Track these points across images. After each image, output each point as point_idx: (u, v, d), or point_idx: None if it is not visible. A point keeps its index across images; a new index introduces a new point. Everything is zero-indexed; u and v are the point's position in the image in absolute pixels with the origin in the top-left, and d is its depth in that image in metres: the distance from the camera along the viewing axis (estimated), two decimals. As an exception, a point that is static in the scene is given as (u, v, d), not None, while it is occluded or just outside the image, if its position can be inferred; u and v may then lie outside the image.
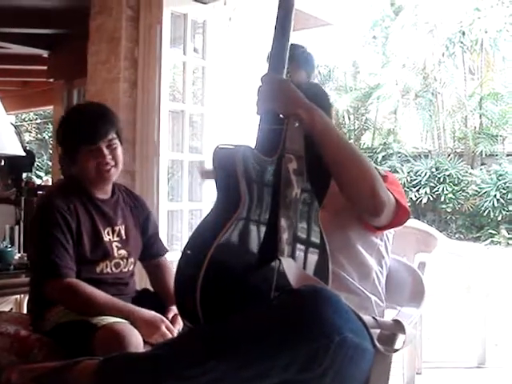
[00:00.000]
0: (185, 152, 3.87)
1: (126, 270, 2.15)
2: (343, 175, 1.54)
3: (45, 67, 6.95)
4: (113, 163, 2.12)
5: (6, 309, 2.84)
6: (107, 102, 4.03)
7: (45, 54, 6.68)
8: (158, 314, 1.97)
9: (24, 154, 2.91)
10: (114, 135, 2.13)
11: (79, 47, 4.50)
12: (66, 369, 1.46)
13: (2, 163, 5.69)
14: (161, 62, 3.61)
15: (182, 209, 3.85)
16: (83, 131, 2.09)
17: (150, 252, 2.31)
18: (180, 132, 3.88)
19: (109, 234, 2.13)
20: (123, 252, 2.15)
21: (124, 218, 2.21)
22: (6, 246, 2.75)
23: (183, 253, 1.50)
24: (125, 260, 2.15)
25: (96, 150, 2.08)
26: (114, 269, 2.11)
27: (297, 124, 1.52)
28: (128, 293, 2.16)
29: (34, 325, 2.05)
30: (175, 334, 1.94)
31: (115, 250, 2.12)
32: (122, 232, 2.18)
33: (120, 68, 3.76)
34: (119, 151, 2.15)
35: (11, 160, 5.02)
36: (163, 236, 3.38)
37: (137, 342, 1.79)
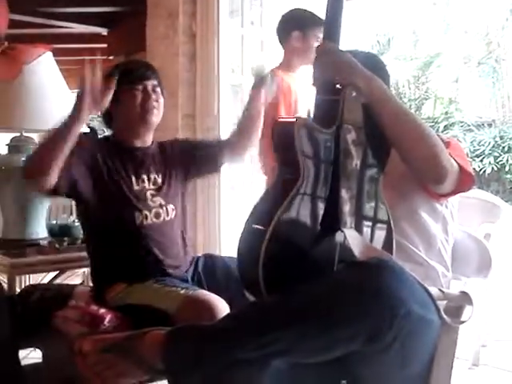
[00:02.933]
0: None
1: (168, 218, 2.12)
2: (404, 143, 1.52)
3: (104, 45, 7.05)
4: (157, 105, 2.13)
5: (77, 282, 2.91)
6: (167, 78, 4.07)
7: (104, 32, 6.77)
8: None
9: (88, 130, 2.96)
10: (158, 84, 2.16)
11: (138, 24, 4.54)
12: (135, 339, 1.49)
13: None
14: (219, 35, 3.58)
15: (243, 181, 3.87)
16: (129, 72, 2.12)
17: (214, 156, 2.38)
18: (239, 105, 3.87)
19: (143, 182, 2.13)
20: (158, 199, 2.12)
21: (161, 165, 2.20)
22: (74, 221, 2.80)
23: (245, 226, 1.51)
24: (164, 208, 2.12)
25: (142, 89, 2.11)
26: (154, 219, 2.08)
27: (354, 94, 1.50)
28: (177, 242, 2.15)
29: (96, 300, 2.04)
30: None
31: (149, 197, 2.11)
32: (159, 180, 2.17)
33: (178, 43, 3.76)
34: (162, 102, 2.16)
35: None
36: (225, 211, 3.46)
37: (223, 307, 1.78)
